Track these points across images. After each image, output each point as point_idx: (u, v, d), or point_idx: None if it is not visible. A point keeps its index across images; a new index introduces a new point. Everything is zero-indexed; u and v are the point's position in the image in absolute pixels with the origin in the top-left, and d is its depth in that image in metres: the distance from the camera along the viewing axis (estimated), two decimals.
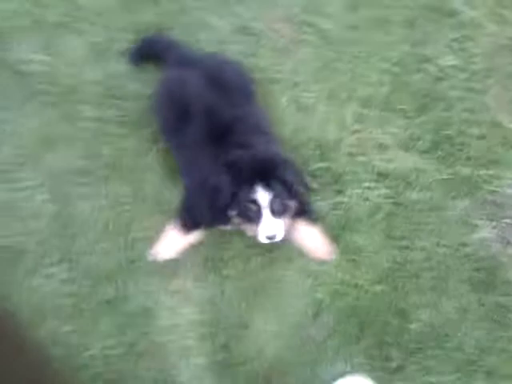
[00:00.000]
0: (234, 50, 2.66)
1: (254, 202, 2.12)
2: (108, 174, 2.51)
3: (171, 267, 2.39)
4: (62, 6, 2.73)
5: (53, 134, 2.57)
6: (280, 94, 2.61)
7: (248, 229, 2.27)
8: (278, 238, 2.19)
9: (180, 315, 2.35)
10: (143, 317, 2.33)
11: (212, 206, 2.21)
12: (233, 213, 2.20)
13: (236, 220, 2.24)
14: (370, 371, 2.19)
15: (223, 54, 2.62)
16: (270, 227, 2.15)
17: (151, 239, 2.40)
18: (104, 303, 2.34)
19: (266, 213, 2.13)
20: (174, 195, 2.46)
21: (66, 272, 2.36)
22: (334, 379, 2.19)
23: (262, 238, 2.18)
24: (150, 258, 2.40)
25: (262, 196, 2.11)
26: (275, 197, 2.13)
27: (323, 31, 2.68)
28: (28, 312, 2.28)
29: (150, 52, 2.66)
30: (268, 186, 2.11)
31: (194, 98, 2.34)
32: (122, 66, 2.65)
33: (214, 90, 2.35)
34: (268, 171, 2.12)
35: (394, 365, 2.20)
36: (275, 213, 2.15)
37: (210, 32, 2.72)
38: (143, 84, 2.62)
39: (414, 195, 2.39)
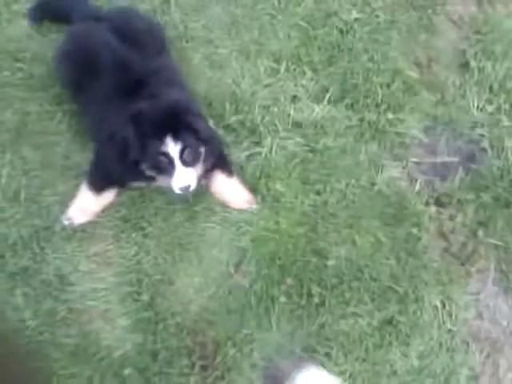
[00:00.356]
0: (146, 8, 2.60)
1: (165, 153, 2.03)
2: (12, 139, 2.37)
3: (88, 231, 2.29)
4: None
5: None
6: (193, 51, 2.57)
7: (162, 181, 2.19)
8: (192, 188, 2.12)
9: (100, 279, 2.25)
10: (61, 284, 2.21)
11: (122, 161, 2.10)
12: (144, 166, 2.10)
13: (149, 173, 2.14)
14: (293, 310, 2.21)
15: (132, 8, 2.54)
16: (182, 178, 2.08)
17: (65, 204, 2.28)
18: (20, 273, 2.20)
19: (177, 164, 2.05)
20: (83, 158, 2.35)
21: None
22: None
23: (176, 189, 2.11)
24: (64, 223, 2.27)
25: (172, 147, 2.03)
26: (185, 147, 2.05)
27: None
28: None
29: (51, 10, 2.53)
30: (176, 136, 2.02)
31: (101, 51, 2.22)
32: (21, 28, 2.52)
33: (123, 43, 2.25)
34: (174, 120, 2.03)
35: (316, 300, 2.21)
36: (186, 163, 2.07)
37: None
38: (46, 45, 2.49)
39: (327, 142, 2.43)
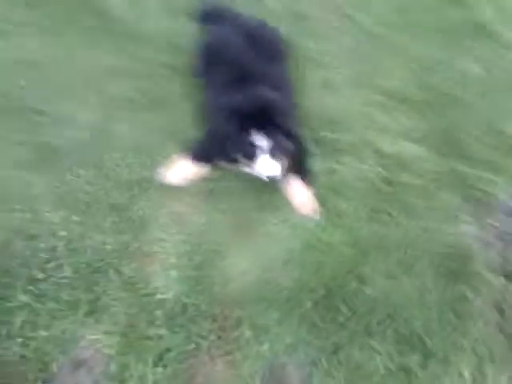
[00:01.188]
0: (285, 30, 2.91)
1: (256, 145, 2.31)
2: (144, 104, 2.86)
3: (175, 191, 2.62)
4: None
5: (119, 66, 3.00)
6: (311, 70, 2.81)
7: (250, 168, 2.44)
8: (277, 177, 2.37)
9: (169, 233, 2.53)
10: (140, 225, 2.56)
11: (221, 147, 2.45)
12: (238, 155, 2.40)
13: (241, 160, 2.43)
14: (315, 320, 2.24)
15: (264, 20, 2.87)
16: (268, 167, 2.33)
17: (167, 163, 2.67)
18: (116, 206, 2.63)
19: (265, 155, 2.32)
20: (193, 133, 2.73)
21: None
22: None
23: (263, 176, 2.37)
24: (160, 178, 2.64)
25: (263, 141, 2.29)
26: (274, 141, 2.30)
27: (361, 25, 2.90)
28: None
29: (210, 16, 3.01)
30: (268, 131, 2.28)
31: (230, 48, 2.61)
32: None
33: (250, 45, 2.59)
34: (268, 117, 2.29)
35: (340, 319, 2.19)
36: (274, 155, 2.33)
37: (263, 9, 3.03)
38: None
39: (408, 179, 2.41)
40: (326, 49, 2.80)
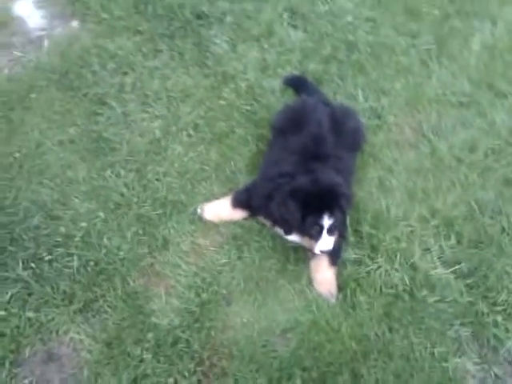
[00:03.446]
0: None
1: (319, 225, 2.49)
2: (211, 139, 3.06)
3: (206, 227, 2.75)
4: None
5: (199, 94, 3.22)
6: (373, 169, 3.00)
7: (305, 242, 2.61)
8: (329, 250, 2.53)
9: (186, 262, 2.64)
10: (161, 244, 2.68)
11: (265, 203, 2.59)
12: (294, 231, 2.58)
13: (293, 236, 2.63)
14: None
15: (353, 110, 3.08)
16: (326, 244, 2.50)
17: (209, 199, 2.82)
18: (143, 218, 2.75)
19: (324, 233, 2.49)
20: (244, 179, 2.91)
21: None
22: None
23: (317, 251, 2.53)
24: (198, 210, 2.77)
25: (326, 221, 2.47)
26: (335, 221, 2.49)
27: (435, 148, 3.09)
28: None
29: (299, 84, 3.25)
30: (331, 213, 2.47)
31: (311, 121, 2.78)
32: (273, 84, 3.31)
33: (332, 126, 2.77)
34: (333, 199, 2.48)
35: None
36: (331, 233, 2.51)
37: (352, 101, 3.24)
38: (278, 99, 3.23)
39: (428, 297, 2.52)
40: (393, 155, 3.04)
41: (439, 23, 3.54)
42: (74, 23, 3.44)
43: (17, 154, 2.94)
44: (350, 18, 3.52)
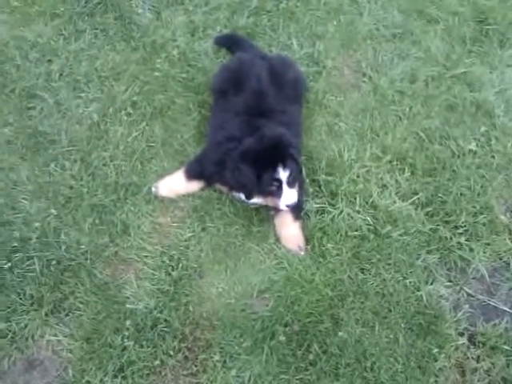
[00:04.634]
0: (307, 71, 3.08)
1: (277, 180, 2.43)
2: (152, 115, 2.90)
3: (164, 204, 2.66)
4: None
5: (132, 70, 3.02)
6: (320, 115, 2.94)
7: (267, 201, 2.56)
8: (294, 203, 2.48)
9: (150, 243, 2.56)
10: (121, 230, 2.58)
11: (220, 168, 2.52)
12: (255, 194, 2.49)
13: (255, 199, 2.54)
14: (286, 354, 2.30)
15: (291, 59, 3.00)
16: (289, 197, 2.45)
17: (161, 176, 2.71)
18: (98, 207, 2.64)
19: (285, 187, 2.45)
20: (193, 150, 2.80)
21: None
22: None
23: (283, 207, 2.48)
24: (152, 189, 2.67)
25: (282, 174, 2.41)
26: (291, 172, 2.43)
27: (376, 85, 3.06)
28: None
29: (231, 42, 3.11)
30: (285, 164, 2.41)
31: (250, 76, 2.68)
32: (205, 46, 3.15)
33: (272, 79, 2.69)
34: (282, 151, 2.41)
35: (310, 357, 2.27)
36: (291, 185, 2.46)
37: (288, 51, 3.14)
38: (212, 62, 3.08)
39: (393, 233, 2.55)
40: (337, 99, 2.99)
41: None
42: None
43: None
44: None
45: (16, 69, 2.99)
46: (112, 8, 3.17)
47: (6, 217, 2.60)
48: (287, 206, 2.48)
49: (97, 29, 3.13)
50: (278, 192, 2.46)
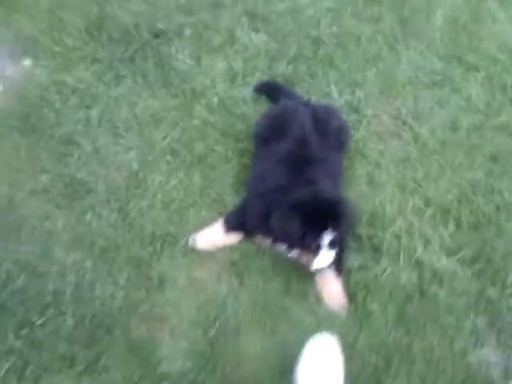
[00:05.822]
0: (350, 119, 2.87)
1: (319, 243, 2.23)
2: (191, 164, 2.72)
3: (202, 257, 2.47)
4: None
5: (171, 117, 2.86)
6: (360, 164, 2.74)
7: (302, 256, 2.35)
8: (325, 267, 2.30)
9: (187, 297, 2.38)
10: (157, 284, 2.40)
11: (262, 222, 2.32)
12: (291, 247, 2.33)
13: (290, 251, 2.35)
14: None
15: (334, 107, 2.81)
16: (324, 260, 2.26)
17: (199, 227, 2.53)
18: (134, 260, 2.46)
19: (323, 249, 2.24)
20: (232, 200, 2.62)
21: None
22: None
23: (314, 268, 2.29)
24: (189, 241, 2.49)
25: (326, 239, 2.22)
26: (335, 239, 2.23)
27: (416, 134, 2.84)
28: None
29: (272, 90, 2.93)
30: (332, 230, 2.21)
31: (293, 123, 2.51)
32: (244, 92, 2.97)
33: (316, 126, 2.51)
34: (333, 216, 2.21)
35: None
36: (330, 248, 2.26)
37: (327, 99, 2.94)
38: (253, 108, 2.89)
39: (439, 292, 2.33)
40: (378, 148, 2.78)
41: (399, 3, 3.25)
42: (27, 62, 3.05)
43: None
44: (310, 12, 3.20)
45: (55, 114, 2.85)
46: (152, 54, 3.03)
47: (40, 268, 2.44)
48: (317, 270, 2.31)
49: (137, 74, 2.97)
50: (314, 253, 2.26)
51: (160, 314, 2.35)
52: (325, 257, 2.25)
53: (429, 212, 2.58)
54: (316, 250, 2.24)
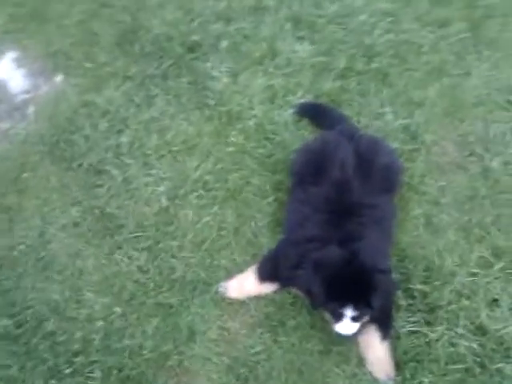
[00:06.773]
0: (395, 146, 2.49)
1: (341, 312, 1.95)
2: (225, 197, 2.46)
3: (234, 307, 2.24)
4: None
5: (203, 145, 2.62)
6: (418, 204, 2.36)
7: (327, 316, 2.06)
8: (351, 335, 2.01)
9: (217, 353, 2.16)
10: (187, 335, 2.19)
11: (293, 271, 2.07)
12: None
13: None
14: None
15: (384, 141, 2.41)
16: (347, 329, 1.98)
17: (232, 273, 2.29)
18: (164, 306, 2.26)
19: (346, 319, 1.96)
20: (266, 242, 2.35)
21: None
22: None
23: (337, 333, 2.01)
24: (220, 289, 2.25)
25: (349, 312, 1.94)
26: (360, 312, 1.94)
27: (487, 167, 2.42)
28: None
29: (315, 112, 2.60)
30: (357, 305, 1.92)
31: (334, 163, 2.18)
32: (284, 116, 2.62)
33: (359, 167, 2.16)
34: (361, 291, 1.91)
35: None
36: (354, 320, 1.96)
37: (380, 121, 2.58)
38: (295, 136, 2.56)
39: (505, 368, 1.95)
40: (438, 184, 2.37)
41: (470, 4, 2.70)
42: (58, 78, 2.84)
43: (21, 247, 2.47)
44: (363, 17, 2.74)
45: (85, 140, 2.64)
46: (186, 70, 2.73)
47: (69, 312, 2.29)
48: (339, 336, 2.00)
49: (169, 94, 2.70)
50: (337, 318, 1.97)
51: (188, 369, 2.14)
52: (349, 327, 1.96)
53: (498, 265, 2.16)
54: (338, 317, 1.95)
